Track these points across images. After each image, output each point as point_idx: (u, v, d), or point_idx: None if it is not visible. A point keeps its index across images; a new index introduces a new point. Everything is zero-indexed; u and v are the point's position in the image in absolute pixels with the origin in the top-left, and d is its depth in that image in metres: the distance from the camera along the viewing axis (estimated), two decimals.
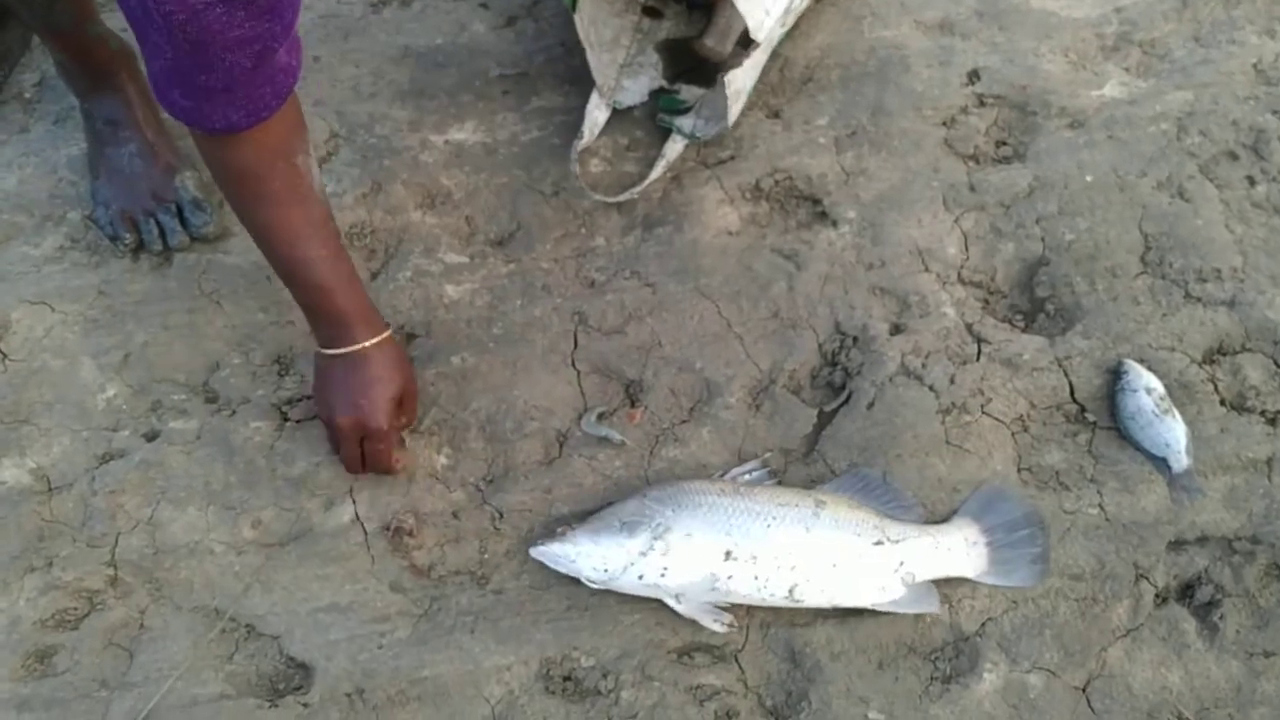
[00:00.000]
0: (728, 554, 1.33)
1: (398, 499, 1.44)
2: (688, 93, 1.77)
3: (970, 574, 1.37)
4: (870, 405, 1.49)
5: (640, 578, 1.33)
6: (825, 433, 1.49)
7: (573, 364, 1.54)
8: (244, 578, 1.40)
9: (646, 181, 1.66)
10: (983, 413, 1.49)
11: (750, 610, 1.36)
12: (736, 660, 1.35)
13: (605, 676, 1.34)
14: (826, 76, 1.80)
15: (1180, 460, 1.44)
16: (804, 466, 1.46)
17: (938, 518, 1.42)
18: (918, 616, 1.36)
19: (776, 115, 1.76)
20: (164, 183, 1.65)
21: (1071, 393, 1.51)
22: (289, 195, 1.31)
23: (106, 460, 1.47)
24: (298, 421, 1.50)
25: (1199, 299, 1.57)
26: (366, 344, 1.38)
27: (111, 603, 1.38)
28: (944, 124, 1.76)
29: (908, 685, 1.33)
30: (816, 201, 1.68)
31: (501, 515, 1.44)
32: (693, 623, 1.34)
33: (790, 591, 1.32)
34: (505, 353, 1.54)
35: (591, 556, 1.34)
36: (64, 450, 1.48)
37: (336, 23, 1.86)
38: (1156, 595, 1.39)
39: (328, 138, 1.72)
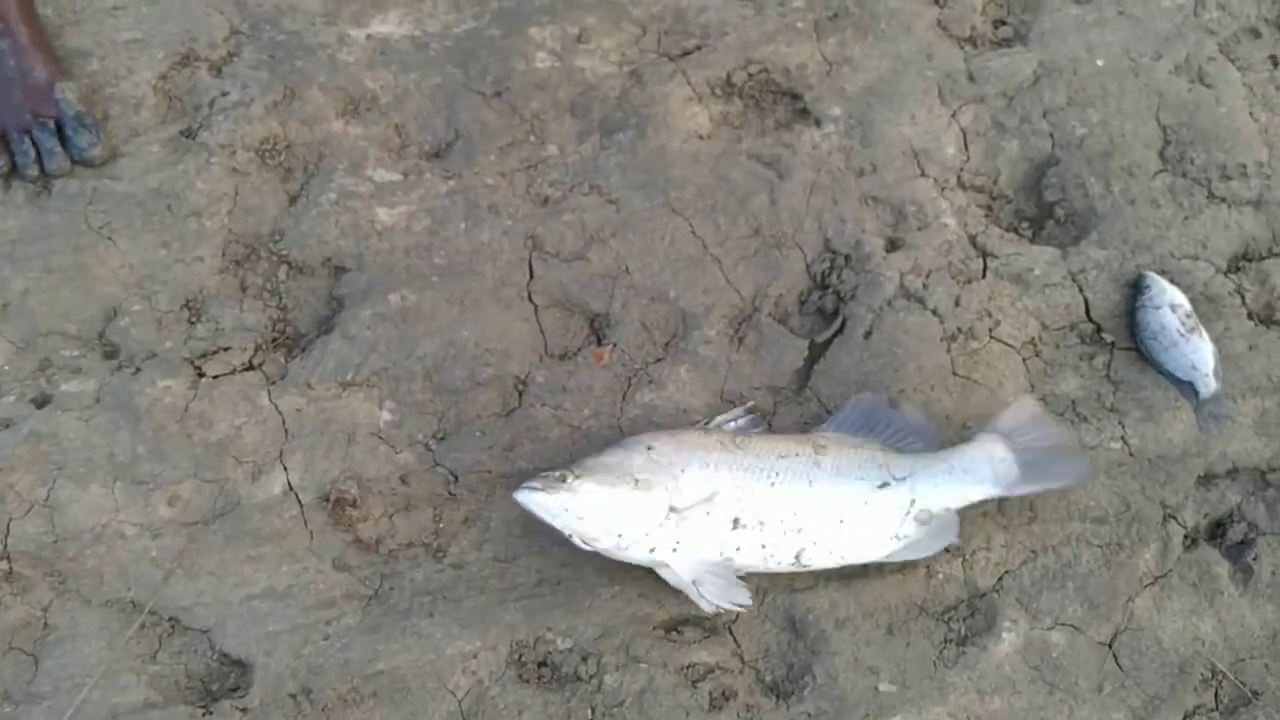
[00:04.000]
0: (736, 521, 1.17)
1: (336, 464, 1.26)
2: None
3: (999, 490, 1.21)
4: (867, 334, 1.33)
5: (652, 551, 1.16)
6: (818, 367, 1.33)
7: (529, 297, 1.35)
8: (163, 564, 1.22)
9: None
10: (991, 337, 1.34)
11: (745, 575, 1.21)
12: (730, 633, 1.21)
13: (585, 660, 1.19)
14: None
15: (1208, 384, 1.31)
16: (796, 406, 1.31)
17: None
18: (929, 573, 1.23)
19: None
20: (42, 93, 1.40)
21: (1087, 310, 1.37)
22: None
23: None
24: (215, 377, 1.29)
25: (1223, 199, 1.42)
26: None
27: (8, 600, 1.20)
28: (936, 2, 1.56)
29: (920, 650, 1.21)
30: (797, 97, 1.49)
31: (456, 478, 1.27)
32: (679, 592, 1.19)
33: (797, 557, 1.18)
34: (451, 287, 1.35)
35: (601, 514, 1.15)
36: None
37: None
38: (1186, 537, 1.27)
39: (227, 35, 1.47)
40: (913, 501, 1.20)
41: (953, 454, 1.23)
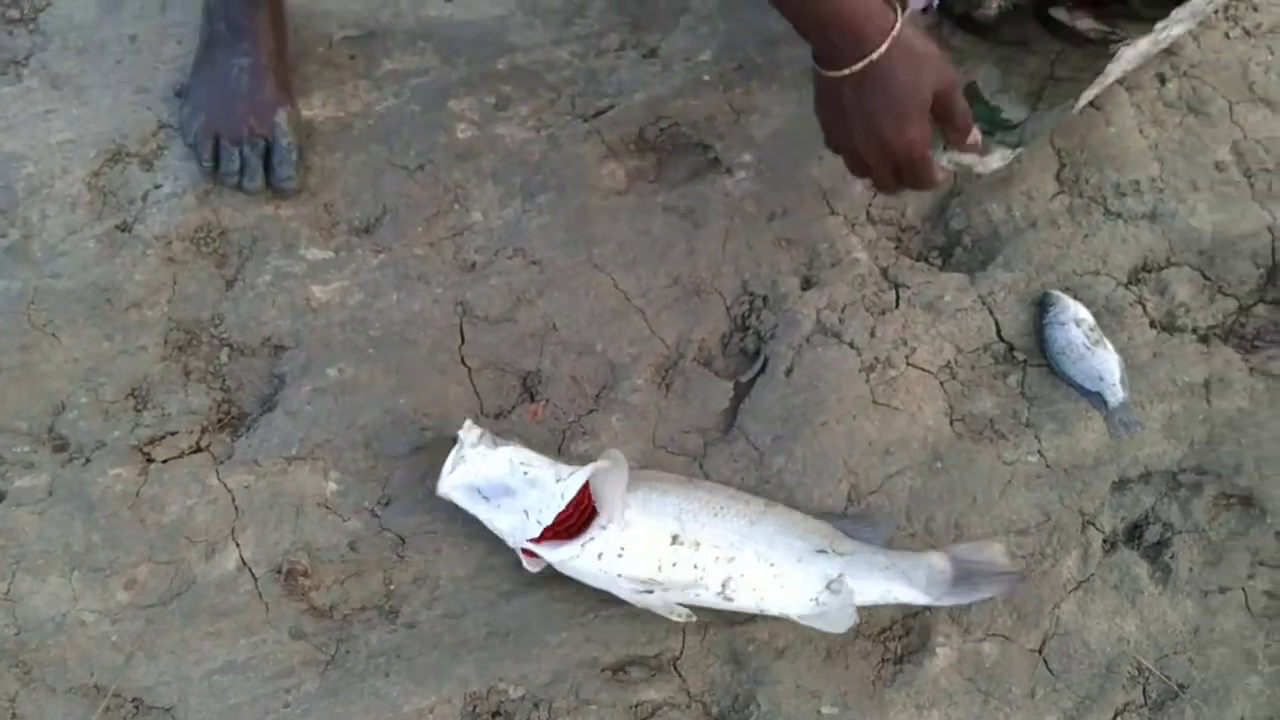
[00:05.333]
0: (674, 537, 1.21)
1: (286, 536, 1.30)
2: (1013, 111, 1.50)
3: (925, 600, 1.25)
4: (789, 371, 1.38)
5: (600, 556, 1.20)
6: (744, 406, 1.38)
7: (462, 361, 1.40)
8: (124, 647, 1.25)
9: (1082, 100, 1.39)
10: (908, 364, 1.40)
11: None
12: (675, 669, 1.26)
13: (537, 706, 1.24)
14: (704, 5, 1.64)
15: (1116, 393, 1.37)
16: (725, 445, 1.36)
17: (872, 486, 1.33)
18: None
19: (653, 54, 1.60)
20: (265, 113, 1.47)
21: (998, 331, 1.42)
22: None
23: None
24: (164, 461, 1.34)
25: (1119, 215, 1.48)
26: (875, 54, 1.09)
27: None
28: None
29: (859, 672, 1.26)
30: (708, 147, 1.54)
31: (404, 540, 1.31)
32: (625, 634, 1.24)
33: (724, 586, 1.22)
34: (387, 357, 1.39)
35: (527, 496, 1.21)
36: None
37: None
38: (1105, 541, 1.32)
39: (155, 129, 1.51)
40: (840, 576, 1.24)
41: (896, 555, 1.27)
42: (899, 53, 1.10)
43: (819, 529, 1.26)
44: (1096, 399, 1.37)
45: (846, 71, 1.12)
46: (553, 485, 1.21)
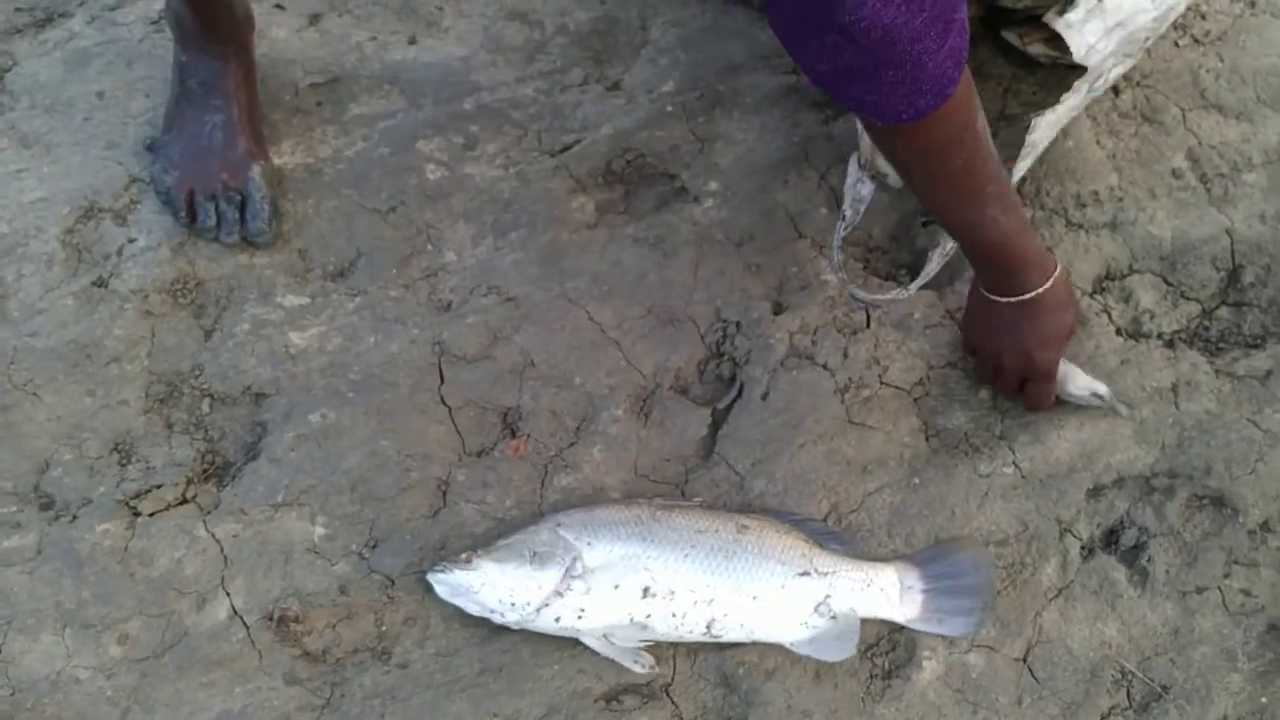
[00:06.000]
0: (645, 590, 1.24)
1: (276, 583, 1.32)
2: None
3: (899, 619, 1.29)
4: (765, 395, 1.41)
5: (557, 620, 1.23)
6: (722, 432, 1.40)
7: (442, 401, 1.41)
8: (119, 702, 1.26)
9: (923, 277, 1.44)
10: (881, 383, 1.42)
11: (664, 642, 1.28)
12: (668, 695, 1.27)
13: None
14: (664, 37, 1.67)
15: (1102, 387, 1.39)
16: (706, 471, 1.38)
17: (852, 504, 1.35)
18: None
19: (616, 87, 1.63)
20: (239, 169, 1.50)
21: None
22: (974, 162, 1.18)
23: None
24: (151, 515, 1.35)
25: (1080, 225, 1.52)
26: (1040, 289, 1.30)
27: None
28: (794, 71, 1.65)
29: (848, 690, 1.27)
30: (674, 177, 1.57)
31: (393, 581, 1.32)
32: (616, 664, 1.26)
33: (708, 627, 1.24)
34: (367, 400, 1.41)
35: (498, 588, 1.24)
36: None
37: (115, 48, 1.65)
38: (1083, 548, 1.35)
39: (127, 184, 1.53)
40: (827, 597, 1.27)
41: (873, 568, 1.29)
42: (1055, 293, 1.31)
43: (796, 547, 1.28)
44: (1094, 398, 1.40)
45: (1014, 300, 1.31)
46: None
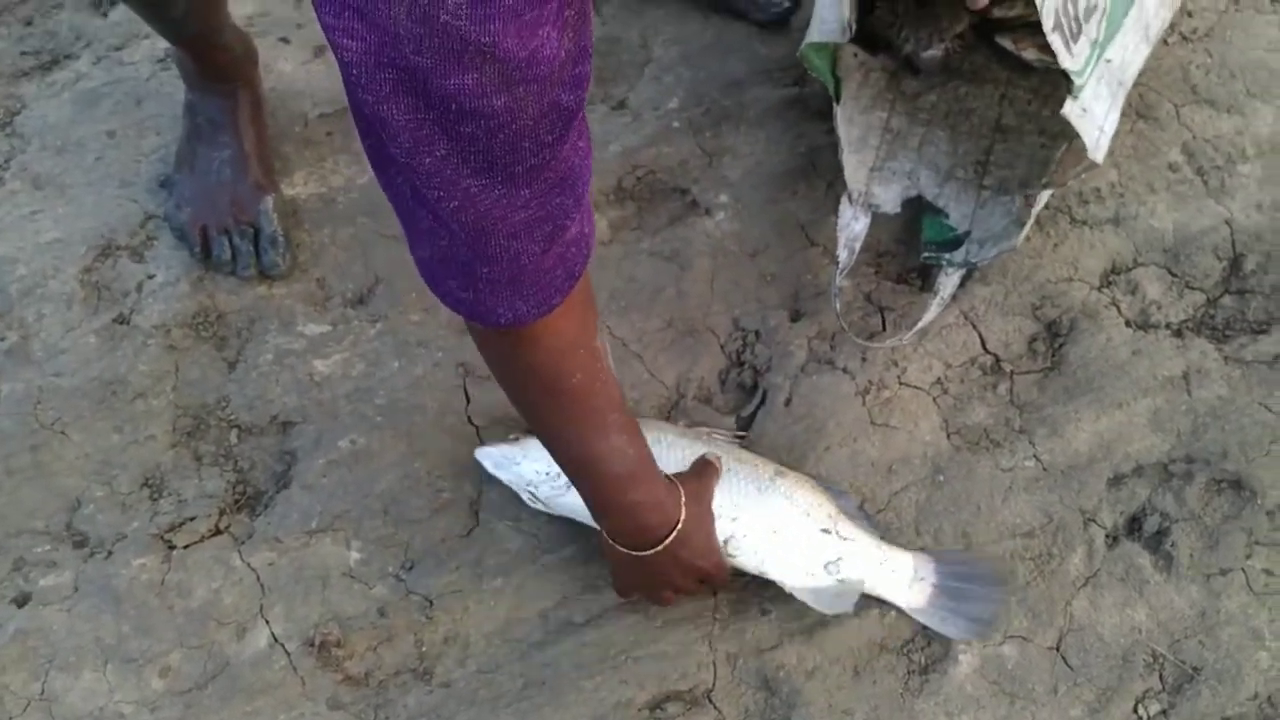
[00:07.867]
0: None
1: (314, 610, 1.32)
2: (957, 210, 1.54)
3: (904, 605, 1.31)
4: (787, 401, 1.43)
5: None
6: (747, 439, 1.42)
7: (469, 420, 1.43)
8: None
9: (922, 323, 1.42)
10: (900, 384, 1.44)
11: (713, 644, 1.30)
12: (711, 701, 1.28)
13: None
14: (666, 54, 1.70)
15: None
16: None
17: (879, 504, 1.38)
18: (882, 613, 1.31)
19: (623, 105, 1.65)
20: (249, 201, 1.52)
21: (983, 344, 1.47)
22: (587, 386, 1.06)
23: None
24: (185, 547, 1.35)
25: (1084, 222, 1.55)
26: (665, 543, 1.19)
27: None
28: (796, 84, 1.68)
29: (887, 686, 1.29)
30: (685, 191, 1.59)
31: (431, 602, 1.33)
32: (657, 672, 1.27)
33: (725, 543, 1.27)
34: (395, 424, 1.42)
35: (538, 461, 1.30)
36: None
37: (123, 88, 1.67)
38: (1107, 536, 1.37)
39: (143, 220, 1.54)
40: (839, 559, 1.30)
41: (889, 549, 1.32)
42: (681, 544, 1.20)
43: (824, 507, 1.32)
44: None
45: (639, 555, 1.20)
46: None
